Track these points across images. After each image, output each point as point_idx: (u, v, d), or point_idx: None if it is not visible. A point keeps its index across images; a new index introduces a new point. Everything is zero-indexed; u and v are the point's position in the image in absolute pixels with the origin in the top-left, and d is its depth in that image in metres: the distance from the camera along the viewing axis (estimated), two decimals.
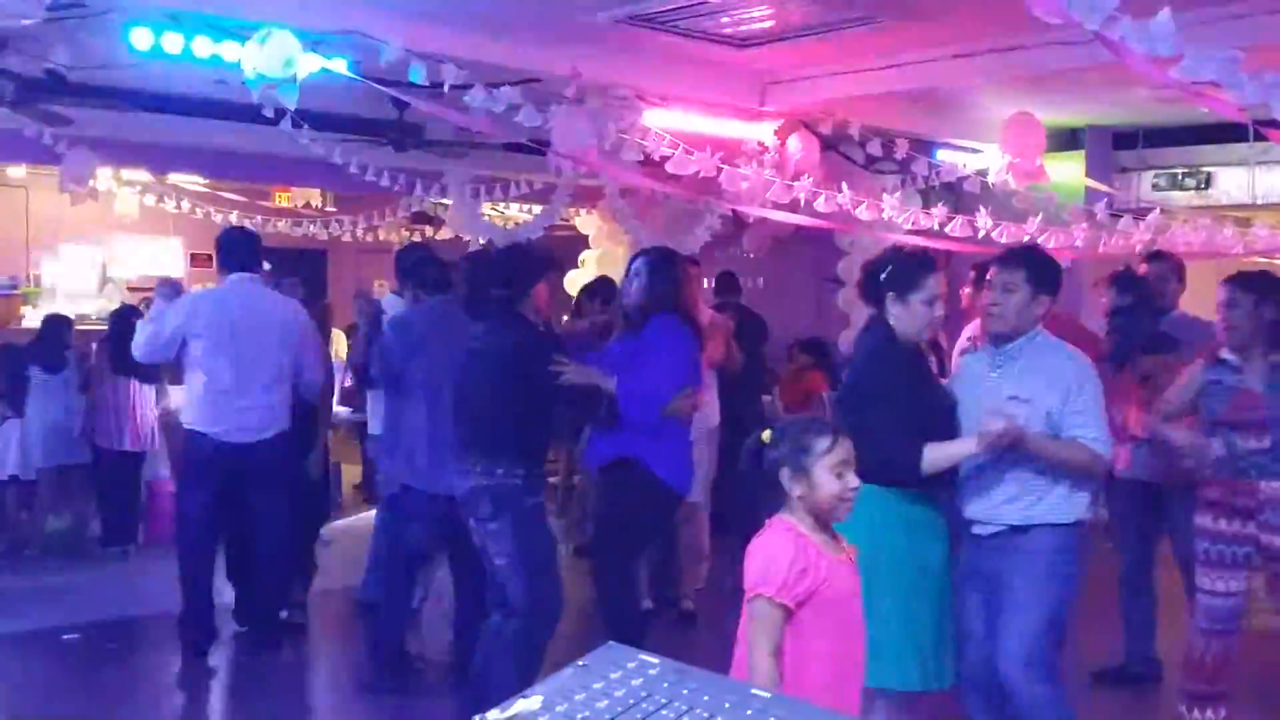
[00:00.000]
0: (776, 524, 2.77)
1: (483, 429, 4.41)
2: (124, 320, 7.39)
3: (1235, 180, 8.49)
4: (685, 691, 1.52)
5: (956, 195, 8.09)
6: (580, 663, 1.67)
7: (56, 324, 7.98)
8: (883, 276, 3.87)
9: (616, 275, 10.83)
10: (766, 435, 2.81)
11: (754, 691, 1.51)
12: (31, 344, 7.87)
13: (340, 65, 5.70)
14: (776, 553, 2.69)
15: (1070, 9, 3.69)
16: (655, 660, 1.60)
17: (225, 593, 5.97)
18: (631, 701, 1.50)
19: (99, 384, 7.54)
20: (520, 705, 1.55)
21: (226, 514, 5.74)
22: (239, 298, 5.61)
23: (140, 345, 5.72)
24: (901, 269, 3.85)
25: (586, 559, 6.29)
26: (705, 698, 1.50)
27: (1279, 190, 8.27)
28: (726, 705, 1.48)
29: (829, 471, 2.75)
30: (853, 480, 2.77)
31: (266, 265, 6.04)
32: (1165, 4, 3.62)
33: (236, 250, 5.70)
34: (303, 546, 6.17)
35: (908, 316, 3.80)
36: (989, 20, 5.94)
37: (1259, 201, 8.33)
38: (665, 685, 1.52)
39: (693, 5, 5.86)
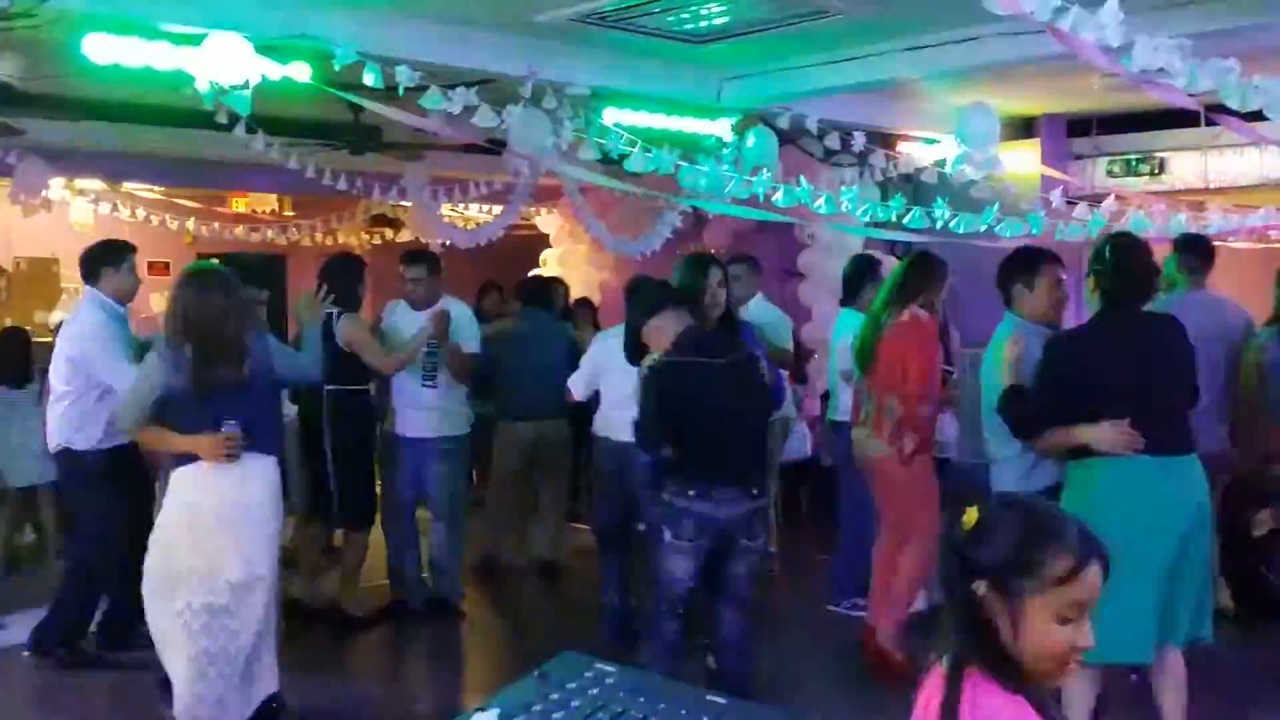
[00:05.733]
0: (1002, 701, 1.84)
1: None
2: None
3: (1188, 165, 8.58)
4: (642, 700, 1.52)
5: (915, 186, 8.12)
6: (537, 672, 1.66)
7: (15, 337, 7.81)
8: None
9: (580, 273, 10.88)
10: (973, 516, 1.92)
11: (709, 698, 1.51)
12: None
13: (294, 70, 5.65)
14: None
15: (1021, 1, 3.72)
16: (612, 668, 1.60)
17: None
18: (589, 711, 1.50)
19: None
20: (479, 718, 1.54)
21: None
22: (79, 310, 5.72)
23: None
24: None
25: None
26: (661, 705, 1.50)
27: (1231, 174, 8.36)
28: (683, 713, 1.47)
29: (1050, 612, 1.85)
30: (1086, 636, 1.86)
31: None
32: None
33: (87, 265, 5.72)
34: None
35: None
36: (942, 12, 5.97)
37: (1211, 186, 8.43)
38: (622, 694, 1.52)
39: (647, 2, 5.85)
